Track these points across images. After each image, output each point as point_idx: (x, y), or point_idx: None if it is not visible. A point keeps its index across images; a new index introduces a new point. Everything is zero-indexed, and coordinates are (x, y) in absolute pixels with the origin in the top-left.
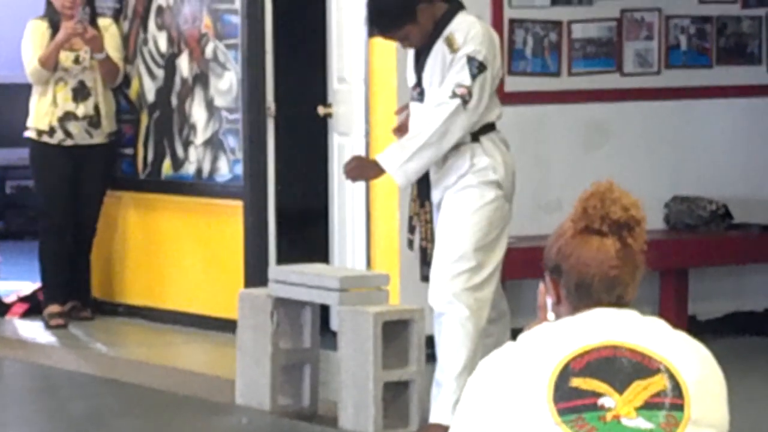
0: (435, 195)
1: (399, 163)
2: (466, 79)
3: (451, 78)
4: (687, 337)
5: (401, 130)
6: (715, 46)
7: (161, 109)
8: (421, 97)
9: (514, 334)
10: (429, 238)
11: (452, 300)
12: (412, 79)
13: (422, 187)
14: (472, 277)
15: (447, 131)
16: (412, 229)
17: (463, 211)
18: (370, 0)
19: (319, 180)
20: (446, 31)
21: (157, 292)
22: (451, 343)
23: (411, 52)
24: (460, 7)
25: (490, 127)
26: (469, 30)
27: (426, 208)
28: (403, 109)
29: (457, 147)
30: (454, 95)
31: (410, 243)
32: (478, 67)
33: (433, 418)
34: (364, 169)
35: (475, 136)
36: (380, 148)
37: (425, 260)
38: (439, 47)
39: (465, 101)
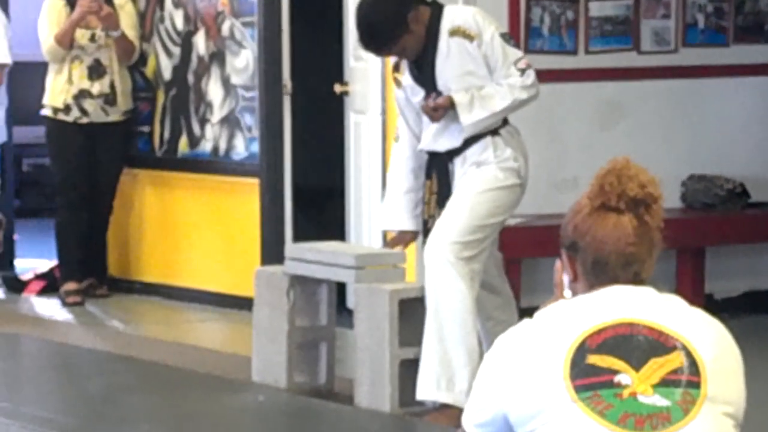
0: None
1: (474, 120)
2: (516, 52)
3: (502, 62)
4: (704, 314)
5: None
6: (733, 24)
7: (178, 87)
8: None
9: (531, 312)
10: (431, 213)
11: (448, 269)
12: (418, 93)
13: (443, 187)
14: (464, 250)
15: (529, 98)
16: (427, 232)
17: (476, 188)
18: (360, 21)
19: (335, 158)
20: (444, 28)
21: (173, 269)
22: (449, 318)
23: (407, 75)
24: (440, 4)
25: (505, 120)
26: (474, 15)
27: (432, 180)
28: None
29: (478, 140)
30: (523, 71)
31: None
32: (510, 37)
33: (422, 395)
34: (443, 112)
35: (494, 129)
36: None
37: (427, 233)
38: (452, 43)
39: (530, 67)
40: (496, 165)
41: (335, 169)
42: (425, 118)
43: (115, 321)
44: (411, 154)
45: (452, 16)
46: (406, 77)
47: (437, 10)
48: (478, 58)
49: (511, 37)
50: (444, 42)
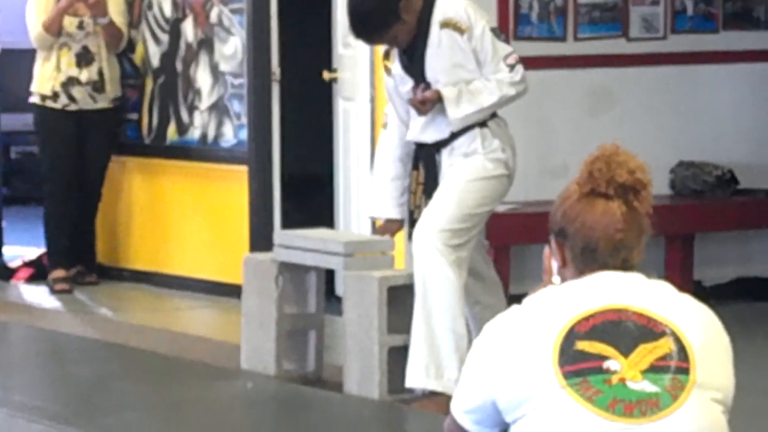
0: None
1: (462, 115)
2: (506, 47)
3: (492, 56)
4: (693, 300)
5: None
6: (722, 11)
7: (166, 74)
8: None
9: (519, 298)
10: (417, 204)
11: (435, 255)
12: (407, 82)
13: (429, 178)
14: (452, 238)
15: (516, 94)
16: (413, 223)
17: (464, 177)
18: (352, 10)
19: (324, 145)
20: (435, 18)
21: (162, 257)
22: (437, 305)
23: (396, 64)
24: None
25: (493, 112)
26: (466, 8)
27: (419, 170)
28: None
29: (466, 132)
30: (512, 66)
31: (411, 236)
32: (501, 31)
33: (411, 382)
34: (431, 105)
35: (482, 121)
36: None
37: (413, 223)
38: (442, 35)
39: (519, 62)
40: (483, 156)
41: (324, 156)
42: (413, 110)
43: (104, 308)
44: (399, 141)
45: (444, 7)
46: (395, 66)
47: (429, 1)
48: (468, 51)
49: (501, 31)
50: (435, 33)
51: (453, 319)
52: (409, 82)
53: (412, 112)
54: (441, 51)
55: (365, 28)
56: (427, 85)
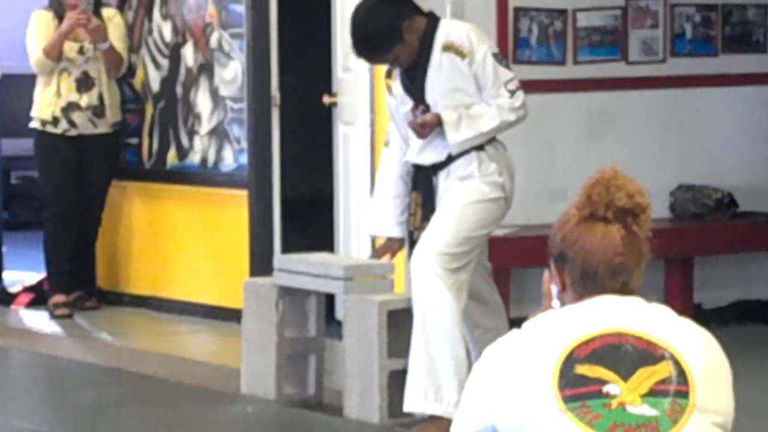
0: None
1: (461, 140)
2: (507, 73)
3: (492, 81)
4: (692, 324)
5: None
6: (721, 34)
7: (166, 99)
8: (425, 114)
9: (519, 322)
10: (417, 225)
11: (434, 279)
12: (407, 102)
13: (427, 201)
14: (452, 261)
15: (516, 121)
16: (413, 244)
17: (466, 200)
18: (355, 29)
19: (324, 169)
20: (438, 41)
21: (162, 281)
22: (436, 329)
23: (398, 84)
24: (437, 17)
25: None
26: (468, 32)
27: (418, 191)
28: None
29: (463, 155)
30: (513, 92)
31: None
32: (503, 57)
33: (409, 406)
34: (429, 129)
35: (480, 145)
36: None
37: (413, 245)
38: (444, 58)
39: (520, 89)
40: (480, 179)
41: (324, 180)
42: (411, 132)
43: (104, 333)
44: (400, 159)
45: (447, 30)
46: (396, 86)
47: (433, 23)
48: (468, 75)
49: (503, 56)
50: (437, 56)
51: (452, 342)
52: (409, 103)
53: (411, 133)
54: (441, 74)
55: (368, 47)
56: (427, 107)
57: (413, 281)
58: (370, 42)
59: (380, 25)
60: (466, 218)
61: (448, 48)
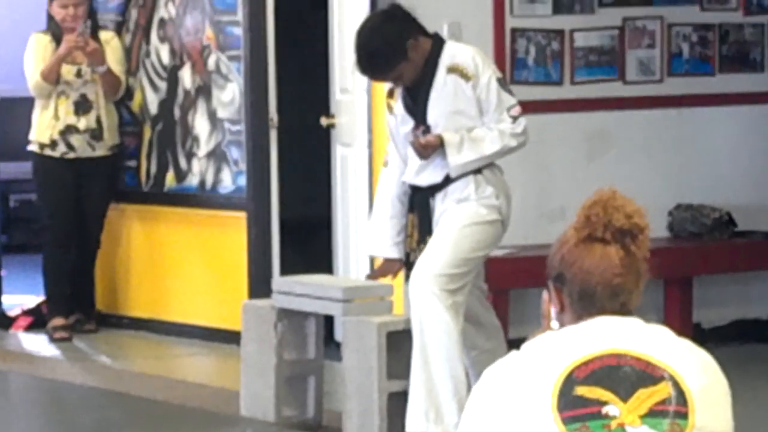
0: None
1: (463, 162)
2: (510, 99)
3: (495, 106)
4: (691, 344)
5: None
6: (718, 53)
7: (164, 121)
8: (426, 135)
9: (518, 343)
10: (413, 247)
11: (434, 301)
12: (408, 122)
13: (424, 222)
14: (450, 282)
15: (517, 146)
16: (410, 266)
17: (459, 223)
18: (359, 45)
19: (322, 191)
20: (443, 62)
21: (161, 304)
22: (435, 350)
23: (399, 103)
24: (443, 39)
25: None
26: (474, 56)
27: (414, 213)
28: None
29: (460, 177)
30: (515, 119)
31: (408, 278)
32: (507, 83)
33: (412, 428)
34: (432, 149)
35: (478, 168)
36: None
37: (410, 266)
38: (448, 80)
39: (521, 115)
40: (477, 202)
41: (322, 201)
42: (411, 150)
43: (103, 356)
44: (398, 179)
45: (453, 52)
46: (398, 106)
47: (438, 44)
48: (472, 99)
49: (506, 82)
50: (441, 77)
51: (451, 363)
52: (410, 123)
53: (411, 152)
54: (445, 95)
55: (371, 64)
56: (427, 128)
57: (411, 302)
58: (374, 59)
59: (385, 43)
60: (464, 240)
61: (453, 70)
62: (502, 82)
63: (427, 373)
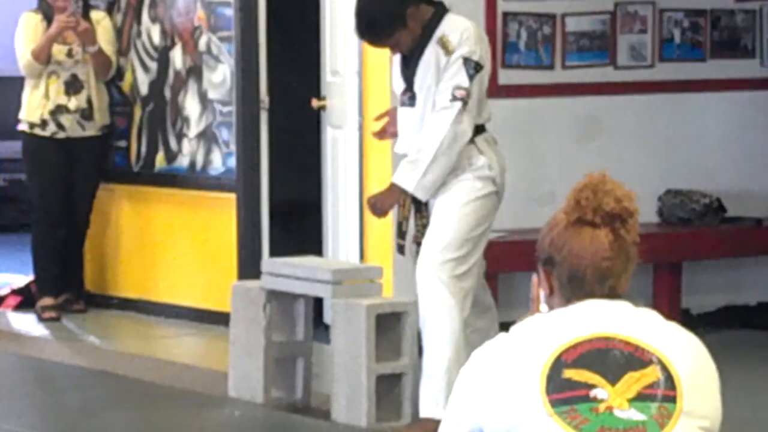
0: (431, 198)
1: (416, 181)
2: (465, 81)
3: (449, 81)
4: (680, 328)
5: (381, 134)
6: (709, 39)
7: (154, 102)
8: (412, 101)
9: (507, 326)
10: (406, 215)
11: (440, 287)
12: (400, 85)
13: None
14: (457, 267)
15: (455, 136)
16: (402, 234)
17: (457, 202)
18: (359, 10)
19: (312, 173)
20: (437, 34)
21: (150, 284)
22: (439, 335)
23: (397, 59)
24: (445, 9)
25: (481, 128)
26: (463, 31)
27: (423, 212)
28: (383, 115)
29: None
30: (455, 98)
31: (400, 248)
32: (474, 68)
33: (424, 413)
34: (385, 199)
35: (470, 138)
36: (373, 141)
37: (401, 236)
38: (432, 50)
39: (465, 103)
40: (471, 174)
41: (312, 183)
42: (401, 116)
43: (92, 336)
44: None
45: (448, 24)
46: (395, 67)
47: (440, 13)
48: (442, 71)
49: (477, 66)
50: (431, 47)
51: (456, 349)
52: (402, 86)
53: (399, 121)
54: (428, 65)
55: (370, 30)
56: (413, 95)
57: (419, 290)
58: (373, 25)
59: (384, 9)
60: (463, 220)
61: (439, 40)
62: (470, 64)
63: (434, 359)
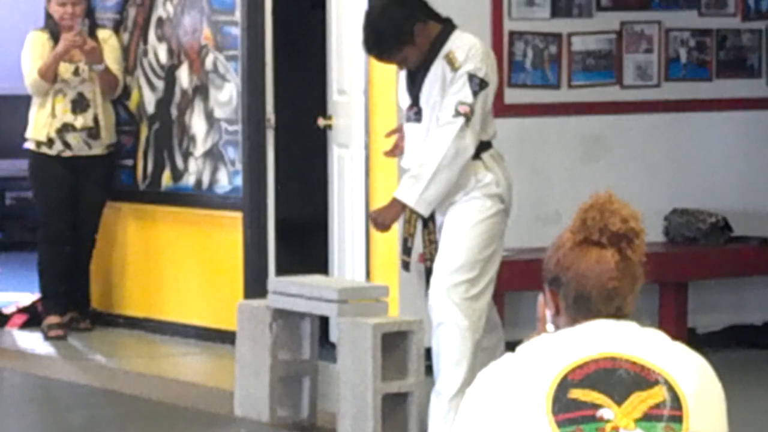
0: (439, 215)
1: (417, 195)
2: (468, 97)
3: (453, 96)
4: (686, 348)
5: (393, 151)
6: (715, 59)
7: (161, 121)
8: (418, 117)
9: (513, 346)
10: (433, 258)
11: (453, 309)
12: (406, 100)
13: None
14: (470, 288)
15: (457, 151)
16: (407, 251)
17: (466, 222)
18: (367, 25)
19: (318, 191)
20: (444, 50)
21: (156, 303)
22: (452, 356)
23: (403, 74)
24: (453, 26)
25: (487, 145)
26: (470, 48)
27: (430, 228)
28: (394, 131)
29: None
30: (458, 114)
31: (405, 265)
32: (479, 84)
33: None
34: (387, 213)
35: (476, 153)
36: (379, 160)
37: (407, 252)
38: (439, 66)
39: (468, 119)
40: (480, 192)
41: (318, 202)
42: (407, 131)
43: (98, 355)
44: None
45: (455, 41)
46: (402, 80)
47: (448, 30)
48: (447, 86)
49: (482, 83)
50: (437, 63)
51: (471, 372)
52: (408, 102)
53: (406, 133)
54: (434, 81)
55: (377, 46)
56: (419, 111)
57: (432, 312)
58: (381, 41)
59: (392, 25)
60: (474, 240)
61: (445, 56)
62: (475, 80)
63: (447, 380)
